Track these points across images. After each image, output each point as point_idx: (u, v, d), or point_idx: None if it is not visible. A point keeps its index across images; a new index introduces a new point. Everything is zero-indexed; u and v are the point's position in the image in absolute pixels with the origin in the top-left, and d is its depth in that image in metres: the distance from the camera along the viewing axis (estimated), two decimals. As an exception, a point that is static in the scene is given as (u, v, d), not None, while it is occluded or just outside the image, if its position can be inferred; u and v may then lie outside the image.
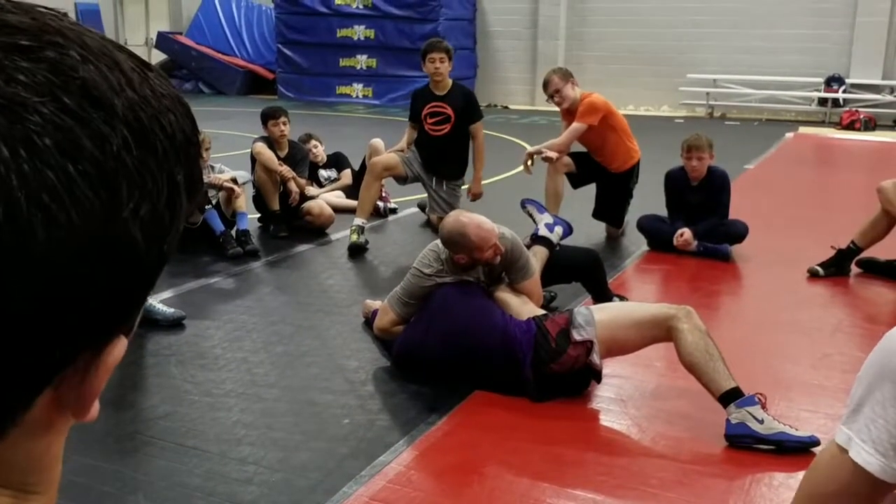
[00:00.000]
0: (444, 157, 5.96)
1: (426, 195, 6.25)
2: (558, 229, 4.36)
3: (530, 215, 4.59)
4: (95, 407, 0.49)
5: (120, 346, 0.47)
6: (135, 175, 0.42)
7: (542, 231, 4.32)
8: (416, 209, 6.83)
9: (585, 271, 4.34)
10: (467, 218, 3.57)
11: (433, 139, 5.95)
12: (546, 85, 5.92)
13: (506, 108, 16.11)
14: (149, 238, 0.43)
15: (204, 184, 5.55)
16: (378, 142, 7.02)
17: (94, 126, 0.41)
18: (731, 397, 3.04)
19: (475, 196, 6.11)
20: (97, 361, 0.46)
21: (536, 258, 4.05)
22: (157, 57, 18.88)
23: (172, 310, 4.26)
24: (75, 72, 0.42)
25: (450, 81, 5.99)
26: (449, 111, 5.91)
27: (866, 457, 1.11)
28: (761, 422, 2.96)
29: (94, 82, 0.42)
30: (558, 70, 6.05)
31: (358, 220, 5.77)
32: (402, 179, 6.08)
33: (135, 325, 0.49)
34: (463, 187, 6.25)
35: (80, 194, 0.40)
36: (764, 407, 3.02)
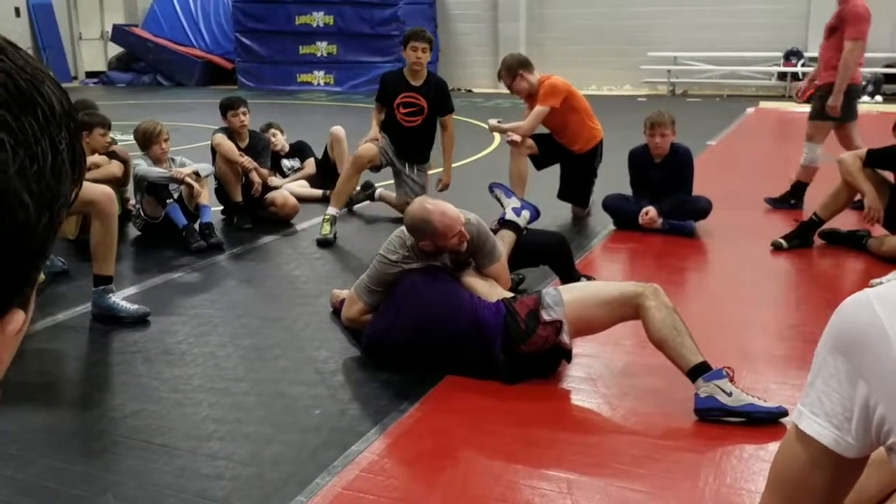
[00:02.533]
0: (414, 145, 5.96)
1: (391, 182, 6.21)
2: (525, 213, 4.36)
3: (498, 199, 4.58)
4: None
5: (18, 317, 0.46)
6: (18, 133, 0.42)
7: (510, 215, 4.31)
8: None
9: (553, 255, 4.35)
10: (432, 205, 3.55)
11: (405, 129, 5.92)
12: (499, 78, 6.01)
13: (469, 91, 16.07)
14: (37, 201, 0.43)
15: (164, 177, 5.50)
16: (339, 129, 6.97)
17: None
18: (699, 372, 3.06)
19: (445, 186, 6.06)
20: None
21: (504, 242, 4.04)
22: (113, 50, 18.60)
23: (136, 306, 4.19)
24: None
25: (426, 72, 5.95)
26: (423, 103, 5.87)
27: (818, 428, 1.11)
28: (730, 394, 2.99)
29: None
30: (507, 65, 5.99)
31: (332, 210, 5.73)
32: (377, 168, 6.06)
33: (31, 302, 0.48)
34: (431, 172, 6.22)
35: None
36: (732, 380, 3.05)
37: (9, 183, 0.41)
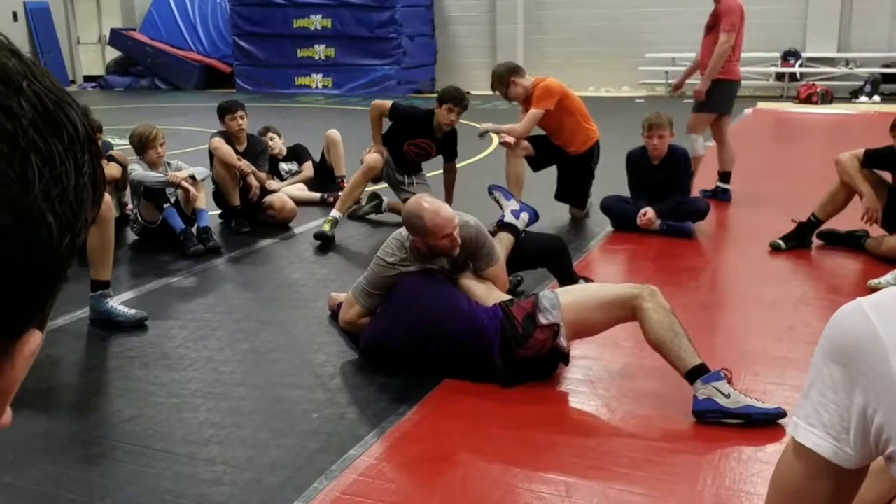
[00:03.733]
0: (415, 167, 6.14)
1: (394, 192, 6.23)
2: (524, 216, 4.35)
3: (497, 201, 4.57)
4: (8, 413, 0.48)
5: (35, 338, 0.46)
6: (44, 154, 0.43)
7: (508, 217, 4.31)
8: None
9: (551, 257, 4.34)
10: (428, 203, 3.55)
11: (407, 159, 6.05)
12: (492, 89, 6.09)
13: (467, 93, 16.04)
14: (60, 222, 0.44)
15: (161, 181, 5.50)
16: (334, 133, 6.95)
17: (3, 101, 0.42)
18: (697, 374, 3.06)
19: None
20: (11, 355, 0.45)
21: (502, 245, 4.04)
22: (111, 54, 18.59)
23: (134, 311, 4.19)
24: None
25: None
26: (432, 150, 6.00)
27: (816, 440, 1.09)
28: (727, 396, 2.99)
29: (1, 64, 0.43)
30: (495, 77, 6.02)
31: (336, 213, 5.76)
32: (376, 179, 6.09)
33: (47, 321, 0.48)
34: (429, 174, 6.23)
35: None
36: (730, 382, 3.05)
37: (34, 202, 0.42)
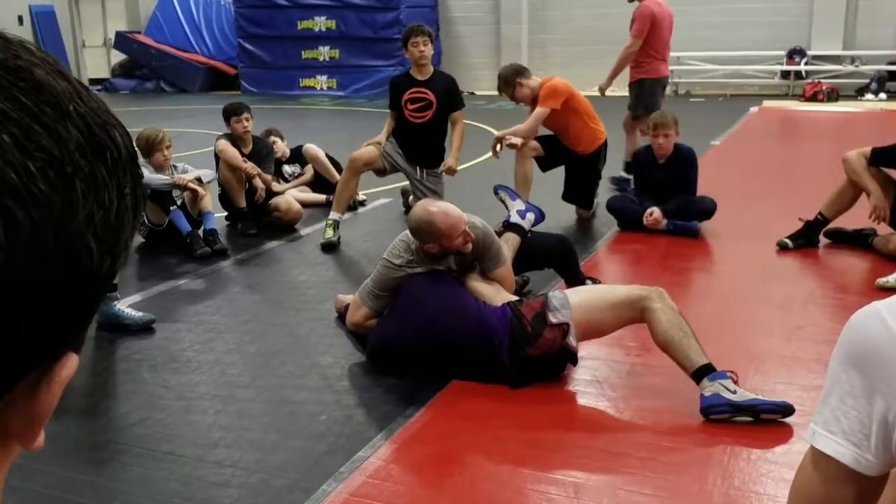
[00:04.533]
0: (425, 144, 5.81)
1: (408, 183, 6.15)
2: (530, 216, 4.34)
3: (503, 201, 4.57)
4: (41, 436, 0.48)
5: (72, 362, 0.46)
6: (89, 178, 0.42)
7: (514, 218, 4.30)
8: (384, 200, 6.79)
9: (557, 257, 4.33)
10: (434, 206, 3.55)
11: (414, 126, 5.78)
12: (499, 92, 6.09)
13: (472, 94, 16.04)
14: (101, 246, 0.43)
15: (167, 184, 5.51)
16: (311, 148, 6.87)
17: (51, 126, 0.41)
18: (704, 373, 3.06)
19: (450, 170, 5.88)
20: (48, 378, 0.45)
21: (508, 245, 4.03)
22: (116, 57, 18.63)
23: (141, 313, 4.19)
24: (30, 73, 0.42)
25: (431, 67, 5.86)
26: (430, 97, 5.75)
27: (837, 447, 1.07)
28: (734, 392, 2.99)
29: (48, 85, 0.42)
30: (501, 79, 6.02)
31: (334, 215, 5.70)
32: (381, 172, 5.94)
33: (83, 344, 0.48)
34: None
35: (39, 192, 0.40)
36: (735, 382, 3.04)
37: (77, 227, 0.42)
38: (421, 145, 5.81)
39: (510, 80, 5.93)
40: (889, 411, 1.02)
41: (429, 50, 5.74)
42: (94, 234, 0.43)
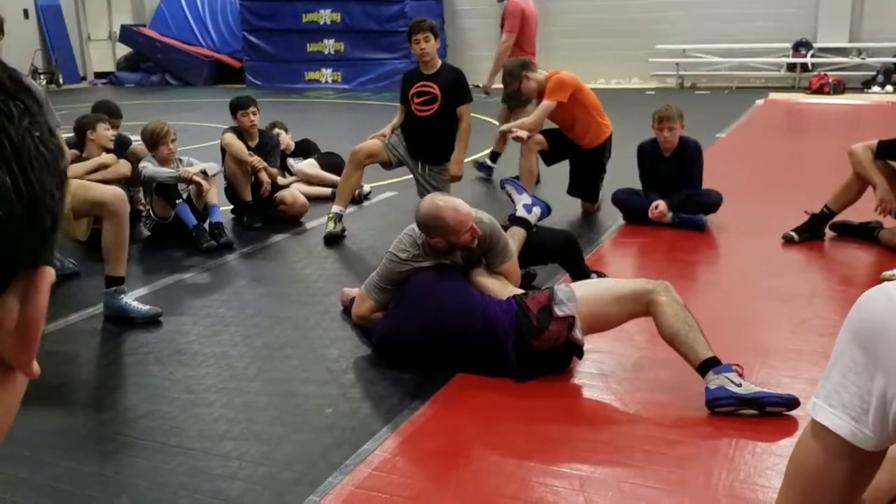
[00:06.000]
0: (429, 139, 5.77)
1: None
2: (536, 210, 4.34)
3: (509, 195, 4.56)
4: (35, 365, 0.54)
5: (49, 273, 0.53)
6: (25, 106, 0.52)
7: (520, 212, 4.30)
8: (390, 194, 6.79)
9: (562, 252, 4.33)
10: (443, 201, 3.54)
11: (419, 120, 5.76)
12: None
13: (477, 87, 16.01)
14: (43, 160, 0.51)
15: (172, 177, 5.51)
16: (302, 167, 6.86)
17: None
18: (709, 366, 3.06)
19: (453, 178, 5.90)
20: (32, 288, 0.52)
21: (514, 239, 4.03)
22: (121, 50, 18.64)
23: (148, 307, 4.21)
24: None
25: (439, 61, 5.83)
26: (435, 90, 5.72)
27: (835, 420, 1.09)
28: (739, 385, 2.99)
29: None
30: (506, 72, 6.03)
31: (336, 208, 5.69)
32: (387, 165, 5.91)
33: (52, 256, 0.55)
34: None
35: None
36: (741, 376, 3.04)
37: (22, 136, 0.50)
38: (424, 139, 5.78)
39: (516, 73, 5.92)
40: (888, 389, 1.03)
41: (430, 46, 5.71)
42: (36, 146, 0.50)
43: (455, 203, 3.54)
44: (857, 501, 1.18)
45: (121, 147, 5.77)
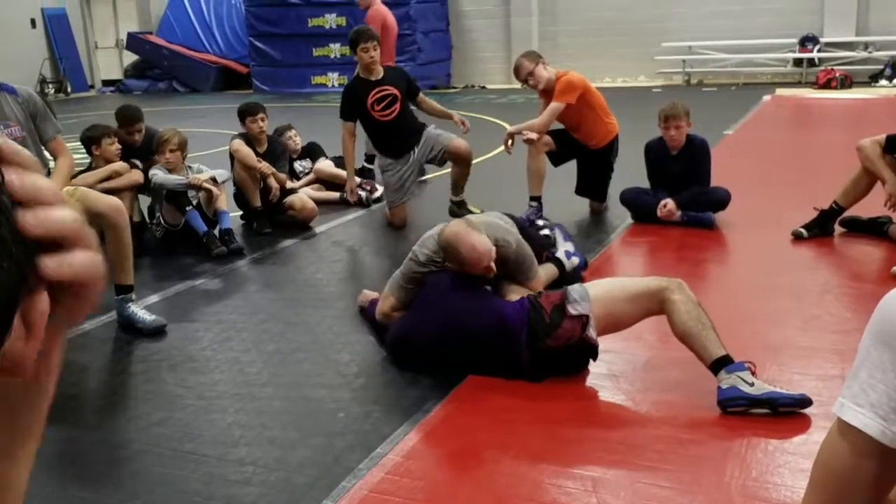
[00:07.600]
0: (403, 135, 5.98)
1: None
2: (574, 259, 4.42)
3: (553, 239, 4.58)
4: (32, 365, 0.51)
5: (43, 299, 0.49)
6: None
7: (560, 255, 4.38)
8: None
9: None
10: (465, 234, 3.47)
11: (385, 125, 5.96)
12: (517, 71, 5.94)
13: (483, 87, 16.06)
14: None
15: (182, 184, 5.54)
16: (322, 168, 6.99)
17: None
18: (721, 364, 3.06)
19: (462, 122, 6.05)
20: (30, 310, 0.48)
21: (545, 271, 4.08)
22: (128, 58, 18.73)
23: (153, 317, 4.17)
24: None
25: (380, 66, 6.04)
26: (394, 91, 5.94)
27: (864, 419, 1.09)
28: (751, 385, 2.99)
29: None
30: (526, 54, 6.04)
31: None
32: (419, 175, 6.12)
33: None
34: (431, 176, 6.22)
35: None
36: (754, 374, 3.04)
37: None
38: (399, 138, 5.98)
39: (533, 55, 5.96)
40: None
41: (377, 53, 5.96)
42: None
43: (474, 240, 3.46)
44: (884, 501, 1.18)
45: (149, 140, 5.82)
